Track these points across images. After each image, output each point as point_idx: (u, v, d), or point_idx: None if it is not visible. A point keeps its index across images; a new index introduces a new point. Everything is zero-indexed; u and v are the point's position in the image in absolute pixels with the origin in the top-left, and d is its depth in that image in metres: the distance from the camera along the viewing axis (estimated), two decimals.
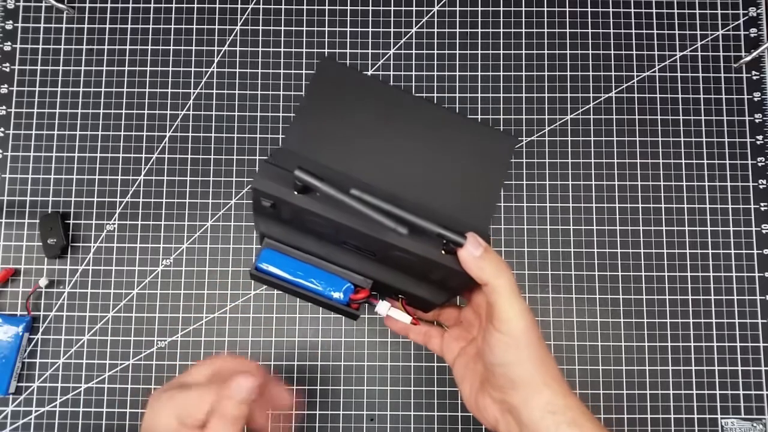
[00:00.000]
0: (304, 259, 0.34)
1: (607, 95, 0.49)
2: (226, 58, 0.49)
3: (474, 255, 0.29)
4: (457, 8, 0.50)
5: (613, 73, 0.50)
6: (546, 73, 0.50)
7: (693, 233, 0.48)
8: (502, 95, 0.49)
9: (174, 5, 0.50)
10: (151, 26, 0.50)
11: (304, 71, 0.49)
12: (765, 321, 0.47)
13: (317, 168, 0.30)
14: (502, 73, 0.49)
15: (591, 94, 0.49)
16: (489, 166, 0.35)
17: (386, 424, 0.45)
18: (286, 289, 0.35)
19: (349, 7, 0.50)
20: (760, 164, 0.49)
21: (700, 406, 0.46)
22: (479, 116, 0.49)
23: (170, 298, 0.47)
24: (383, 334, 0.47)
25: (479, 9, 0.50)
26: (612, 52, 0.50)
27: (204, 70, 0.49)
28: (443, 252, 0.31)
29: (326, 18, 0.50)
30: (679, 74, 0.50)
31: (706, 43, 0.50)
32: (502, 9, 0.50)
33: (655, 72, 0.50)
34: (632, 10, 0.50)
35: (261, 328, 0.46)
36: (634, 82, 0.49)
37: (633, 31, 0.50)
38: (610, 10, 0.50)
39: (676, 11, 0.50)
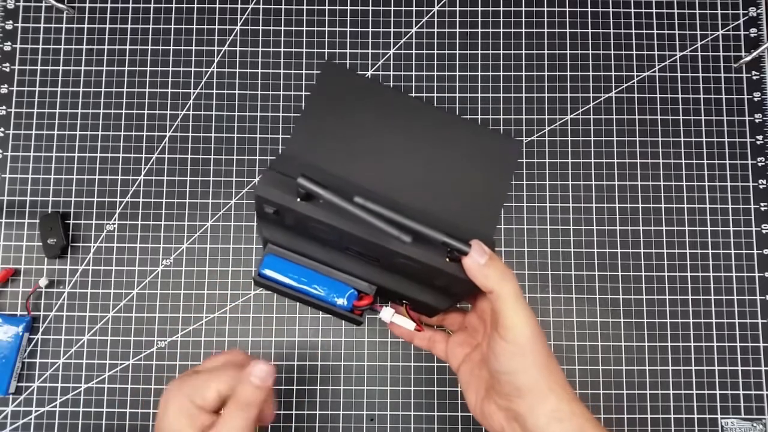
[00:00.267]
0: (307, 264, 0.34)
1: (607, 95, 0.49)
2: (226, 58, 0.49)
3: (479, 263, 0.29)
4: (457, 8, 0.50)
5: (613, 73, 0.50)
6: (546, 73, 0.50)
7: (693, 233, 0.48)
8: (502, 95, 0.49)
9: (174, 5, 0.50)
10: (151, 26, 0.50)
11: (304, 71, 0.49)
12: (765, 321, 0.47)
13: (320, 175, 0.30)
14: (502, 73, 0.49)
15: (591, 94, 0.49)
16: (494, 171, 0.35)
17: (386, 424, 0.45)
18: (290, 295, 0.35)
19: (349, 8, 0.50)
20: (760, 164, 0.49)
21: (700, 406, 0.46)
22: (479, 116, 0.49)
23: (170, 298, 0.47)
24: (383, 335, 0.47)
25: (479, 9, 0.50)
26: (612, 52, 0.50)
27: (204, 70, 0.49)
28: (448, 260, 0.31)
29: (326, 18, 0.50)
30: (679, 74, 0.50)
31: (706, 43, 0.50)
32: (502, 9, 0.50)
33: (655, 72, 0.50)
34: (632, 10, 0.50)
35: (261, 328, 0.46)
36: (634, 82, 0.49)
37: (633, 31, 0.50)
38: (610, 10, 0.50)
39: (676, 11, 0.50)
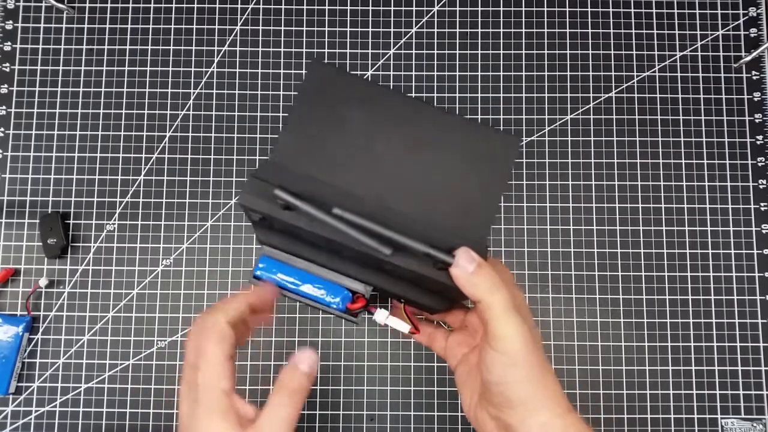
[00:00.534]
0: (302, 265, 0.34)
1: (607, 95, 0.49)
2: (226, 58, 0.49)
3: (467, 271, 0.28)
4: (457, 8, 0.50)
5: (613, 73, 0.50)
6: (546, 73, 0.50)
7: (693, 233, 0.48)
8: (502, 95, 0.49)
9: (174, 5, 0.50)
10: (151, 26, 0.50)
11: (304, 71, 0.49)
12: (765, 321, 0.47)
13: (302, 184, 0.29)
14: (502, 73, 0.49)
15: (591, 94, 0.49)
16: (488, 170, 0.33)
17: (386, 424, 0.45)
18: (286, 296, 0.34)
19: (348, 8, 0.50)
20: (760, 164, 0.49)
21: (700, 406, 0.46)
22: (479, 116, 0.49)
23: (170, 298, 0.47)
24: (383, 334, 0.47)
25: (479, 9, 0.50)
26: (612, 52, 0.50)
27: (204, 70, 0.49)
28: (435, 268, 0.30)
29: (326, 18, 0.50)
30: (679, 74, 0.50)
31: (706, 43, 0.50)
32: (502, 9, 0.50)
33: (655, 72, 0.50)
34: (632, 10, 0.50)
35: (261, 328, 0.46)
36: (634, 82, 0.49)
37: (633, 31, 0.50)
38: (610, 10, 0.50)
39: (676, 11, 0.50)
